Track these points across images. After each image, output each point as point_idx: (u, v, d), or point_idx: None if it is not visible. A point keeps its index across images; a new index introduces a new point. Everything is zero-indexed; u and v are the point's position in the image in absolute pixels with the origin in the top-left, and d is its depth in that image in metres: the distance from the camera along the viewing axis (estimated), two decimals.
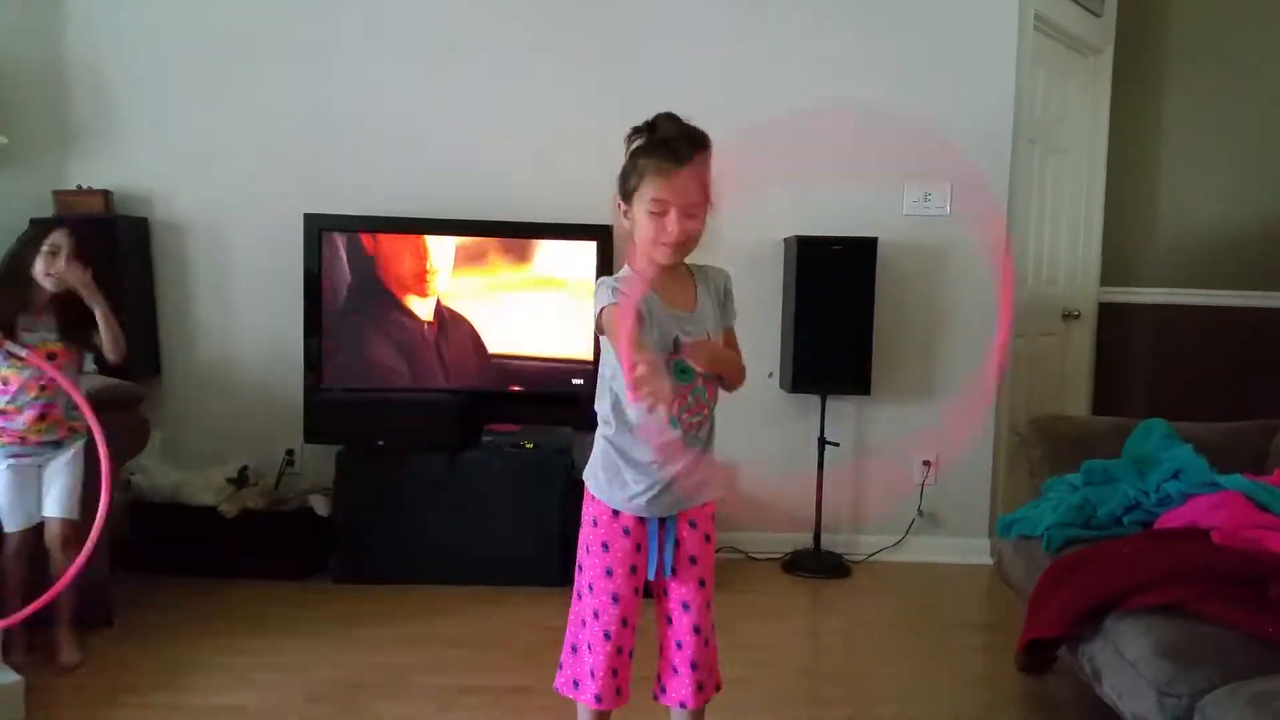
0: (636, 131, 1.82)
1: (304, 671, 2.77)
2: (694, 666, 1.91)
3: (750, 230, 3.74)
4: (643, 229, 1.79)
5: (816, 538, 3.81)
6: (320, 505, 3.55)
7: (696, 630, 1.91)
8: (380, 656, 2.88)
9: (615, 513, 1.89)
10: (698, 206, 1.77)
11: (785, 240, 3.77)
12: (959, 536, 3.94)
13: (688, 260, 1.88)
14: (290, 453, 3.75)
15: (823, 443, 3.75)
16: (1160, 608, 2.02)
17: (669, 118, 1.81)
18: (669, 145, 1.77)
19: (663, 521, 1.90)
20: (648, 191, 1.77)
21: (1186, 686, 1.83)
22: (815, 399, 3.76)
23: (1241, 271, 4.42)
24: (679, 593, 1.91)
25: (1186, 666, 1.85)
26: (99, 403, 2.89)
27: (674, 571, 1.91)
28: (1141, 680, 1.94)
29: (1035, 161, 4.18)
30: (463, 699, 2.61)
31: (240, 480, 3.57)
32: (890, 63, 3.81)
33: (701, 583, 1.92)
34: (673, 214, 1.75)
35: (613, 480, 1.88)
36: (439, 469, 3.46)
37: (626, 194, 1.82)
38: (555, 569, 3.44)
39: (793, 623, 3.37)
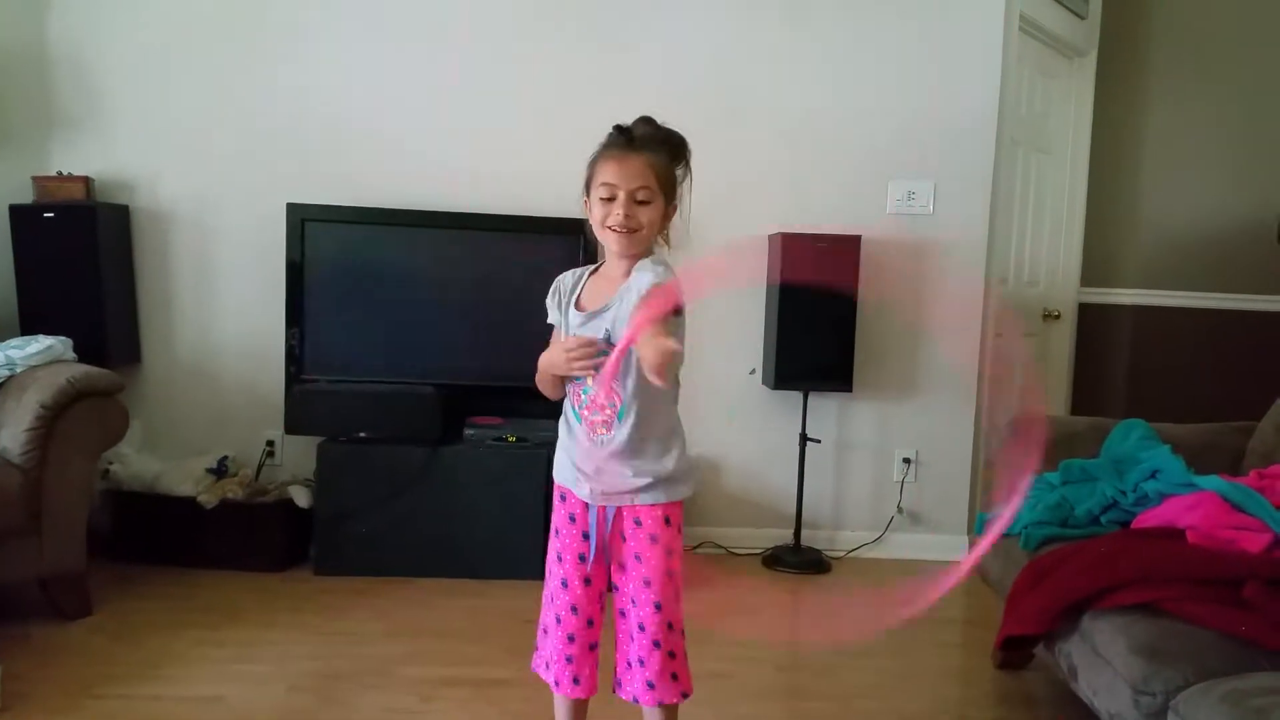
0: (610, 133, 1.85)
1: (284, 663, 2.77)
2: (641, 663, 1.87)
3: (734, 226, 3.75)
4: (595, 216, 1.82)
5: (797, 534, 3.83)
6: (301, 496, 3.54)
7: (641, 628, 1.86)
8: (361, 648, 2.87)
9: (563, 497, 1.93)
10: (650, 193, 1.78)
11: (769, 236, 3.79)
12: (938, 533, 3.96)
13: (667, 261, 1.85)
14: (271, 443, 3.75)
15: (804, 439, 3.76)
16: (1136, 606, 2.04)
17: (645, 121, 1.84)
18: (625, 133, 1.81)
19: (601, 510, 1.87)
20: (599, 176, 1.80)
21: (1161, 684, 1.85)
22: (797, 395, 3.77)
23: (1221, 273, 4.47)
24: (625, 589, 1.90)
25: (1161, 664, 1.88)
26: (78, 392, 2.89)
27: (621, 567, 1.89)
28: (1117, 678, 1.96)
29: (1019, 162, 4.22)
30: (444, 690, 2.61)
31: (220, 470, 3.55)
32: (876, 61, 3.83)
33: (647, 582, 1.85)
34: (620, 197, 1.77)
35: (562, 459, 1.93)
36: (420, 461, 3.45)
37: (586, 186, 1.85)
38: (537, 561, 3.39)
39: (772, 617, 3.39)
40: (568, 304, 1.88)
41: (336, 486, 3.46)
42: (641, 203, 1.78)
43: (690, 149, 1.86)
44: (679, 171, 1.85)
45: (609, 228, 1.79)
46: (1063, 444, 2.89)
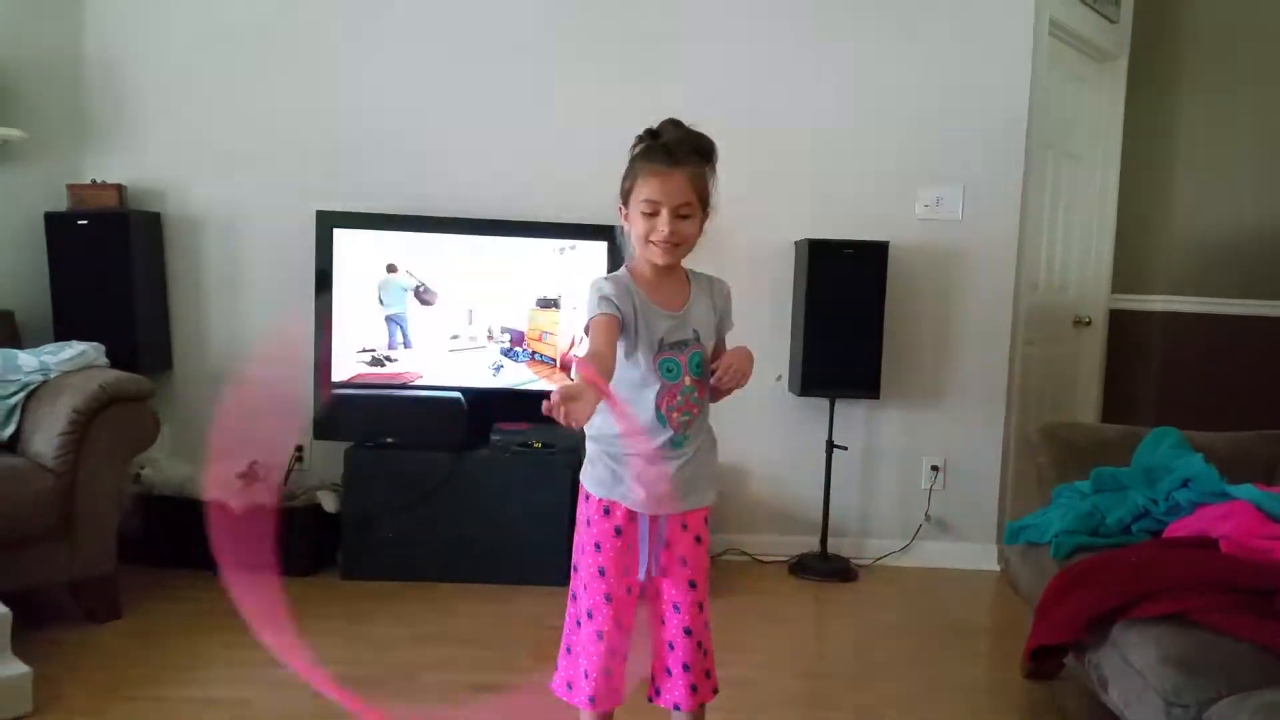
0: (640, 138, 1.86)
1: (311, 667, 2.78)
2: (686, 668, 1.91)
3: (761, 232, 3.75)
4: (636, 228, 1.83)
5: (823, 541, 3.80)
6: (329, 501, 3.56)
7: (687, 632, 1.91)
8: (387, 653, 2.89)
9: (606, 511, 1.91)
10: (691, 208, 1.81)
11: (796, 243, 3.77)
12: (966, 542, 3.93)
13: (690, 267, 1.93)
14: (300, 448, 3.77)
15: (831, 446, 3.75)
16: (1168, 617, 2.01)
17: (674, 124, 1.85)
18: (665, 147, 1.81)
19: (654, 521, 1.90)
20: (641, 192, 1.81)
21: (1194, 696, 1.83)
22: (824, 402, 3.75)
23: (1255, 280, 4.40)
24: (670, 594, 1.92)
25: (1194, 676, 1.85)
26: (110, 397, 2.92)
27: (664, 572, 1.91)
28: (1149, 689, 1.93)
29: (1049, 167, 4.18)
30: (472, 697, 2.61)
31: (249, 475, 3.57)
32: (904, 66, 3.81)
33: (692, 584, 1.91)
34: (664, 214, 1.79)
35: (606, 476, 1.90)
36: (447, 466, 3.47)
37: (624, 196, 1.86)
38: (563, 567, 3.40)
39: (798, 626, 3.37)
40: (644, 306, 1.84)
41: (364, 491, 3.48)
42: (684, 217, 1.80)
43: (718, 152, 1.86)
44: (709, 178, 1.86)
45: (653, 243, 1.81)
46: (1094, 452, 2.86)
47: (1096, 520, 2.56)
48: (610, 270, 2.05)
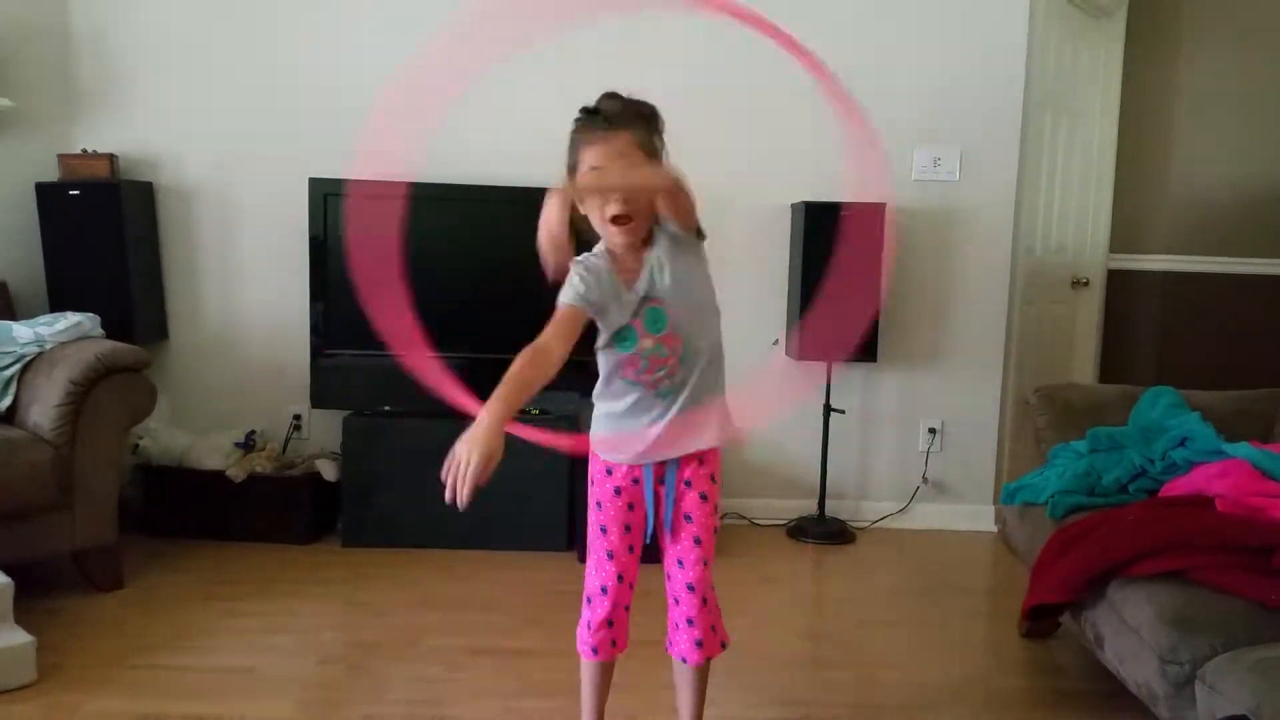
0: (578, 114, 1.82)
1: (313, 634, 2.80)
2: (690, 623, 1.94)
3: (758, 195, 3.73)
4: (590, 207, 1.78)
5: (821, 504, 3.82)
6: (328, 469, 3.56)
7: (690, 588, 1.93)
8: (388, 619, 2.91)
9: (609, 471, 1.94)
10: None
11: (793, 205, 3.75)
12: (963, 503, 3.95)
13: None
14: (298, 417, 3.78)
15: (828, 410, 3.75)
16: (1164, 575, 2.03)
17: (611, 96, 1.81)
18: (599, 112, 1.78)
19: (660, 480, 1.91)
20: (586, 161, 1.76)
21: (1189, 653, 1.84)
22: (821, 366, 3.75)
23: (1252, 239, 4.40)
24: (674, 550, 1.95)
25: (1189, 633, 1.86)
26: (106, 368, 2.92)
27: (670, 529, 1.94)
28: (1144, 646, 1.95)
29: (1046, 125, 4.14)
30: (471, 660, 2.63)
31: (248, 444, 3.58)
32: (900, 25, 3.77)
33: (697, 540, 1.93)
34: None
35: (607, 436, 1.93)
36: (446, 434, 3.44)
37: (570, 172, 1.81)
38: (562, 533, 3.48)
39: (796, 588, 3.39)
40: (615, 289, 1.81)
41: (363, 459, 3.49)
42: None
43: (662, 117, 1.82)
44: (657, 142, 1.81)
45: (609, 223, 1.76)
46: (1090, 412, 2.87)
47: (1093, 480, 2.57)
48: None
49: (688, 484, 1.93)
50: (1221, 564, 1.99)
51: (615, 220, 1.76)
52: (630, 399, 1.88)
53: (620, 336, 1.83)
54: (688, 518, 1.93)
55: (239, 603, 2.99)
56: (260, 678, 2.52)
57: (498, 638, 2.78)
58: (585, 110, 1.81)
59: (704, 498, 1.93)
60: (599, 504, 1.96)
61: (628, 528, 1.95)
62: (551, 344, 1.74)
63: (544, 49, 3.73)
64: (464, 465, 1.59)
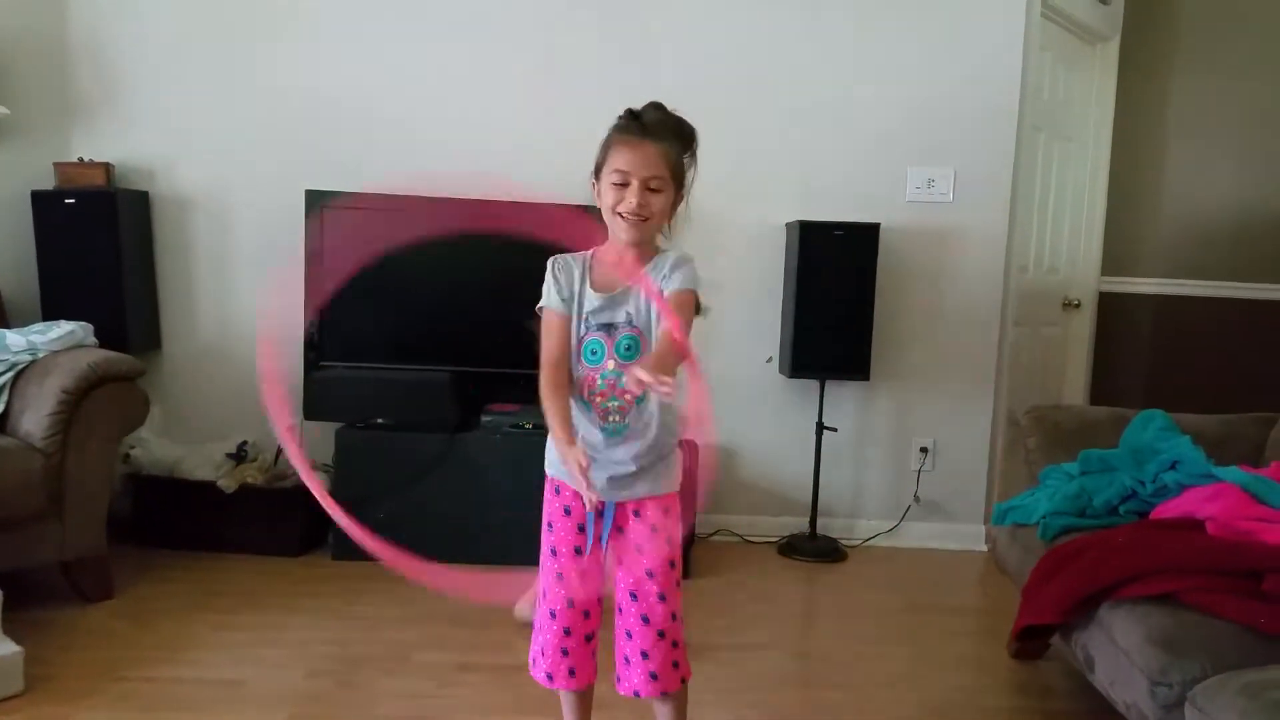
0: (621, 116, 1.83)
1: (303, 647, 2.79)
2: (645, 655, 1.87)
3: (752, 214, 3.75)
4: (605, 200, 1.80)
5: (813, 522, 3.82)
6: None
7: (645, 620, 1.86)
8: (379, 632, 2.90)
9: (557, 490, 1.91)
10: (662, 183, 1.78)
11: (787, 225, 3.77)
12: (955, 523, 3.96)
13: (675, 249, 1.87)
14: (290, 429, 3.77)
15: (821, 428, 3.76)
16: (1154, 597, 2.03)
17: (656, 106, 1.83)
18: (638, 119, 1.80)
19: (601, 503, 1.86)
20: (612, 163, 1.78)
21: (1179, 675, 1.85)
22: (814, 384, 3.76)
23: (1243, 263, 4.43)
24: (625, 582, 1.88)
25: (1179, 656, 1.87)
26: (99, 377, 2.91)
27: (619, 560, 1.88)
28: (1134, 669, 1.95)
29: (1040, 147, 4.18)
30: (462, 676, 2.62)
31: (239, 455, 3.57)
32: (896, 47, 3.80)
33: (650, 574, 1.85)
34: (634, 185, 1.76)
35: (556, 453, 1.87)
36: (438, 447, 3.47)
37: (597, 170, 1.84)
38: None
39: (787, 606, 3.39)
40: (581, 285, 1.84)
41: (355, 472, 3.48)
42: (654, 190, 1.78)
43: (699, 140, 1.84)
44: (687, 161, 1.84)
45: (620, 214, 1.78)
46: (1081, 434, 2.88)
47: (1084, 502, 2.57)
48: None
49: (637, 514, 1.87)
50: (1212, 587, 2.00)
51: (629, 215, 1.77)
52: (577, 416, 1.84)
53: (590, 349, 1.83)
54: (638, 549, 1.86)
55: (229, 615, 2.97)
56: (250, 691, 2.51)
57: (489, 653, 2.77)
58: (629, 113, 1.82)
59: (655, 530, 1.86)
60: (549, 524, 1.92)
61: (578, 550, 1.90)
62: (557, 358, 1.76)
63: (534, 62, 3.76)
64: (583, 479, 1.66)
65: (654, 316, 1.81)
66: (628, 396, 1.81)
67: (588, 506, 1.76)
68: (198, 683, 2.53)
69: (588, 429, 1.85)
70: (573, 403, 1.84)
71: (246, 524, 3.47)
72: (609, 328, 1.82)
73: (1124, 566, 2.12)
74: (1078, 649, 2.24)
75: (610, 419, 1.83)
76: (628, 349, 1.81)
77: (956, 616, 3.31)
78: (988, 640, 3.05)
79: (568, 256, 1.86)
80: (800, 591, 3.52)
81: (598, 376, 1.83)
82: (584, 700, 2.02)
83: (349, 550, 3.47)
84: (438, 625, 2.96)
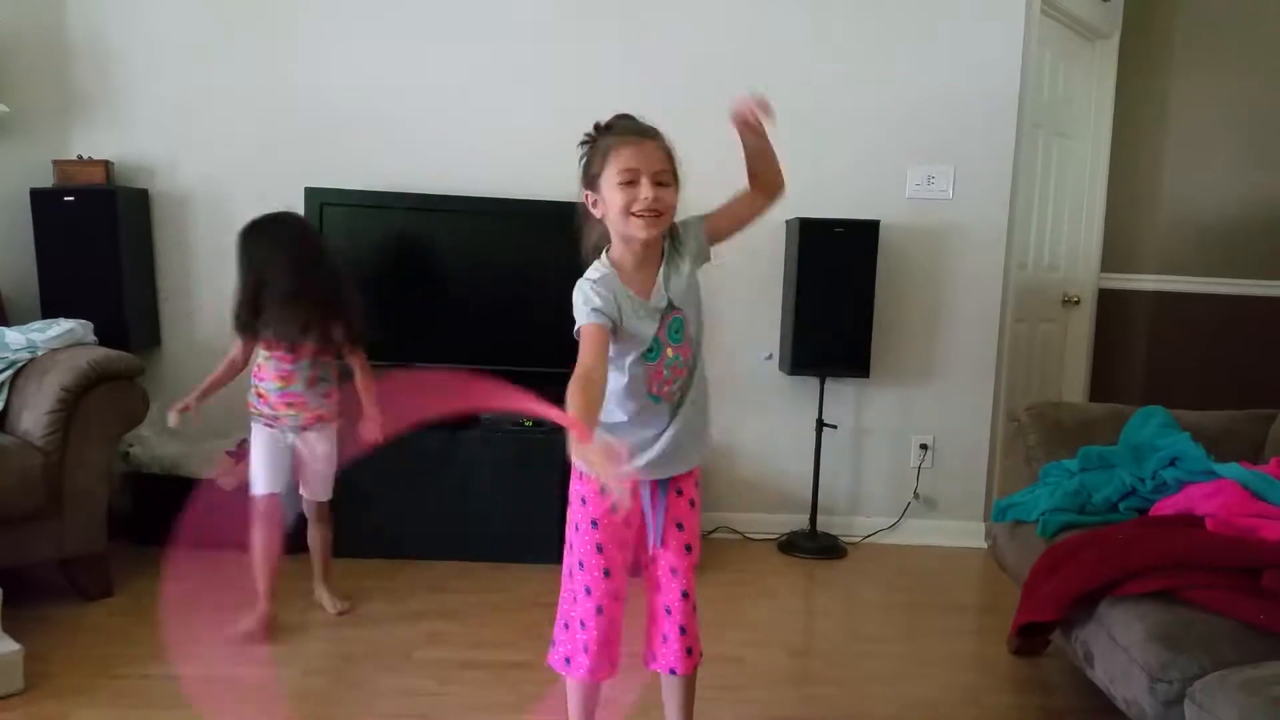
0: (590, 131, 1.85)
1: (302, 645, 2.79)
2: (683, 631, 1.94)
3: None
4: (615, 204, 1.79)
5: (813, 519, 3.82)
6: None
7: (685, 595, 1.94)
8: (378, 631, 2.90)
9: (603, 488, 1.90)
10: (668, 176, 1.80)
11: (787, 222, 3.77)
12: (954, 520, 3.96)
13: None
14: None
15: (821, 425, 3.76)
16: (1154, 594, 2.03)
17: (624, 116, 1.85)
18: (631, 123, 1.83)
19: (654, 491, 1.93)
20: (616, 164, 1.78)
21: (1178, 672, 1.85)
22: (814, 381, 3.76)
23: (1243, 259, 4.42)
24: (666, 559, 1.95)
25: (1178, 652, 1.87)
26: (98, 375, 2.91)
27: (661, 539, 1.95)
28: (1134, 665, 1.95)
29: (1039, 146, 4.18)
30: (462, 673, 2.62)
31: (239, 453, 3.57)
32: (895, 44, 3.80)
33: (688, 548, 1.95)
34: (644, 181, 1.77)
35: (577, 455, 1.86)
36: (438, 445, 3.47)
37: (591, 181, 1.83)
38: (554, 546, 3.42)
39: (787, 603, 3.39)
40: (623, 299, 1.81)
41: (355, 471, 3.47)
42: (662, 185, 1.78)
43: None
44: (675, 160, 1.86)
45: (634, 213, 1.77)
46: (1081, 431, 2.88)
47: (1083, 498, 2.57)
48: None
49: (678, 492, 1.96)
50: (1212, 584, 2.00)
51: (645, 211, 1.78)
52: (633, 411, 1.88)
53: (647, 349, 1.85)
54: (679, 525, 1.95)
55: (227, 613, 2.97)
56: (249, 688, 2.51)
57: (489, 651, 2.77)
58: (600, 128, 1.84)
59: (692, 505, 1.96)
60: (594, 522, 1.93)
61: (623, 545, 1.94)
62: (594, 365, 1.75)
63: (534, 62, 3.75)
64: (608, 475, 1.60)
65: (683, 287, 1.87)
66: (684, 371, 1.88)
67: (617, 507, 1.73)
68: (196, 680, 2.52)
69: (657, 424, 1.89)
70: (634, 407, 1.87)
71: (246, 522, 3.46)
72: (659, 320, 1.85)
73: (1124, 563, 2.12)
74: (1078, 645, 2.24)
75: (674, 397, 1.89)
76: (678, 330, 1.87)
77: (956, 613, 3.31)
78: (988, 637, 3.05)
79: (600, 282, 1.83)
80: (800, 588, 3.52)
81: (662, 367, 1.87)
82: (598, 689, 2.03)
83: (349, 549, 3.47)
84: (436, 623, 2.96)
